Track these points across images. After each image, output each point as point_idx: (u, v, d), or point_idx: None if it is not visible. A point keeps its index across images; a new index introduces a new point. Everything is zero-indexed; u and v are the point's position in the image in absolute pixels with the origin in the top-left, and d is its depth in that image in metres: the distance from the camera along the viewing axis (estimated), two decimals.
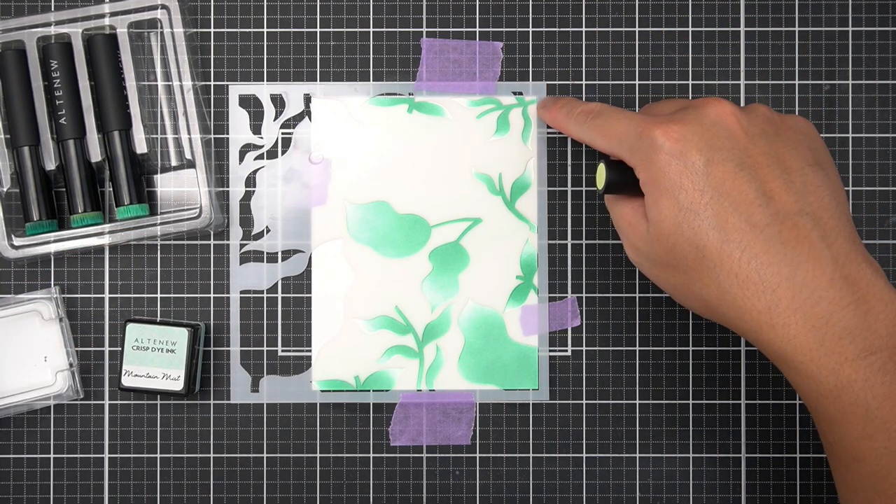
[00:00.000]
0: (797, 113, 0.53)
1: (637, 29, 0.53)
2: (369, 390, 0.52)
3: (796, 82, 0.53)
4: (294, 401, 0.53)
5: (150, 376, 0.51)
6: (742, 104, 0.53)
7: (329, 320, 0.52)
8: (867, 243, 0.53)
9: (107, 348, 0.53)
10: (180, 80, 0.52)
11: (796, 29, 0.53)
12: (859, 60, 0.53)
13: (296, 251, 0.53)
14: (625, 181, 0.45)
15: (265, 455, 0.53)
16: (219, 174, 0.53)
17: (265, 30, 0.53)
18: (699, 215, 0.41)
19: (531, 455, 0.53)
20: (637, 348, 0.53)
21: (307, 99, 0.53)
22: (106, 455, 0.53)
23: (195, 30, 0.53)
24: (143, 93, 0.52)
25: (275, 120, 0.53)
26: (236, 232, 0.53)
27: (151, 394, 0.52)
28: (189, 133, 0.52)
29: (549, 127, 0.53)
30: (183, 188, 0.53)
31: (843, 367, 0.39)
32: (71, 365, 0.52)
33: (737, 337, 0.53)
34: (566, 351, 0.53)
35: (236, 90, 0.53)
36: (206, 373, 0.53)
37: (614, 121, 0.45)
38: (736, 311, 0.41)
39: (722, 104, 0.43)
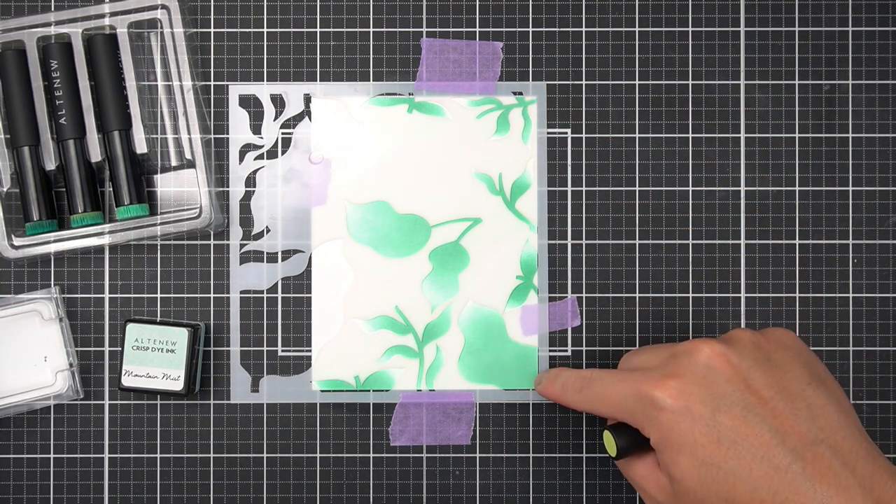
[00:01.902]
0: (797, 114, 0.53)
1: (637, 29, 0.53)
2: (369, 390, 0.52)
3: (796, 82, 0.53)
4: (294, 401, 0.53)
5: (150, 376, 0.51)
6: (742, 104, 0.53)
7: (329, 320, 0.52)
8: (867, 243, 0.53)
9: (107, 348, 0.53)
10: (180, 80, 0.52)
11: (796, 29, 0.53)
12: (859, 60, 0.53)
13: (296, 251, 0.53)
14: (635, 442, 0.45)
15: (265, 455, 0.53)
16: (219, 174, 0.53)
17: (265, 30, 0.53)
18: (721, 468, 0.40)
19: (531, 455, 0.53)
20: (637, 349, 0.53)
21: (307, 99, 0.53)
22: (106, 455, 0.53)
23: (195, 30, 0.53)
24: (143, 93, 0.52)
25: (275, 120, 0.53)
26: (236, 232, 0.53)
27: (151, 394, 0.52)
28: (189, 133, 0.52)
29: (549, 127, 0.53)
30: (183, 188, 0.53)
31: None
32: (71, 365, 0.52)
33: None
34: (566, 351, 0.53)
35: (236, 90, 0.53)
36: (206, 373, 0.53)
37: (608, 385, 0.45)
38: None
39: (711, 346, 0.42)
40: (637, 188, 0.53)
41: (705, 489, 0.41)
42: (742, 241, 0.53)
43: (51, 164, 0.51)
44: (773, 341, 0.44)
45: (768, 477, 0.40)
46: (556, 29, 0.53)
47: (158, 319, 0.52)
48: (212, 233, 0.53)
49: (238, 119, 0.53)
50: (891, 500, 0.40)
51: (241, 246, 0.53)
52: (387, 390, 0.52)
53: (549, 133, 0.53)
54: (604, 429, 0.45)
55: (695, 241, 0.53)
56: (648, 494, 0.45)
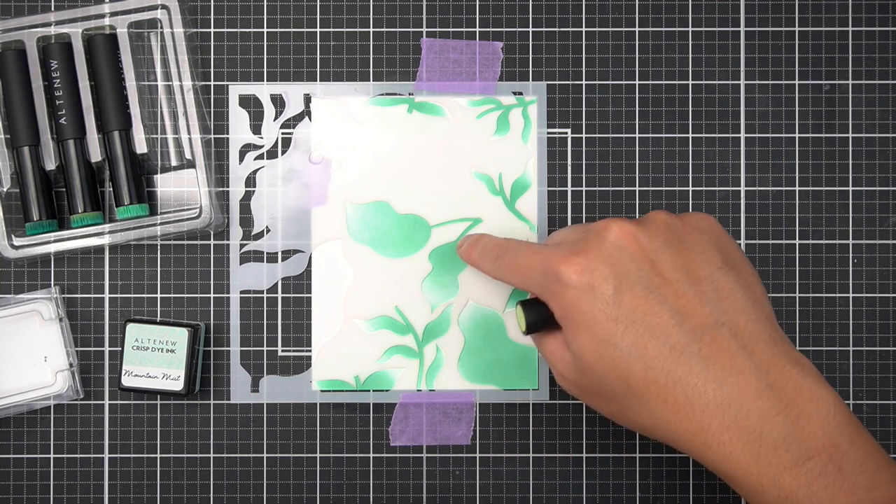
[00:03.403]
0: (797, 114, 0.53)
1: (637, 29, 0.53)
2: (369, 390, 0.52)
3: (796, 82, 0.53)
4: (294, 401, 0.53)
5: (150, 376, 0.51)
6: (742, 104, 0.53)
7: (329, 320, 0.52)
8: (867, 243, 0.53)
9: (107, 348, 0.53)
10: (180, 80, 0.52)
11: (796, 29, 0.53)
12: (859, 60, 0.53)
13: (296, 251, 0.53)
14: (543, 318, 0.44)
15: (265, 455, 0.53)
16: (219, 174, 0.53)
17: (265, 30, 0.53)
18: (618, 346, 0.40)
19: (531, 455, 0.53)
20: None
21: (307, 99, 0.53)
22: (106, 455, 0.53)
23: (195, 30, 0.53)
24: (143, 93, 0.52)
25: (275, 120, 0.53)
26: (236, 232, 0.53)
27: (151, 394, 0.52)
28: (189, 133, 0.52)
29: (549, 127, 0.53)
30: (183, 188, 0.53)
31: (782, 477, 0.39)
32: (71, 365, 0.52)
33: None
34: None
35: (236, 90, 0.53)
36: (206, 373, 0.53)
37: (521, 257, 0.44)
38: (672, 434, 0.40)
39: (621, 225, 0.42)
40: (637, 188, 0.53)
41: (602, 366, 0.41)
42: (742, 241, 0.53)
43: (51, 164, 0.51)
44: (690, 224, 0.43)
45: (663, 356, 0.40)
46: (556, 29, 0.53)
47: (158, 319, 0.52)
48: (212, 233, 0.53)
49: (238, 119, 0.53)
50: (785, 385, 0.39)
51: (241, 246, 0.53)
52: (387, 390, 0.52)
53: (549, 133, 0.53)
54: (519, 304, 0.45)
55: None
56: (557, 370, 0.45)
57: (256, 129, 0.53)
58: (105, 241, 0.52)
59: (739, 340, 0.40)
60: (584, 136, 0.53)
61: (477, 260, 0.49)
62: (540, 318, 0.44)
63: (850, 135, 0.53)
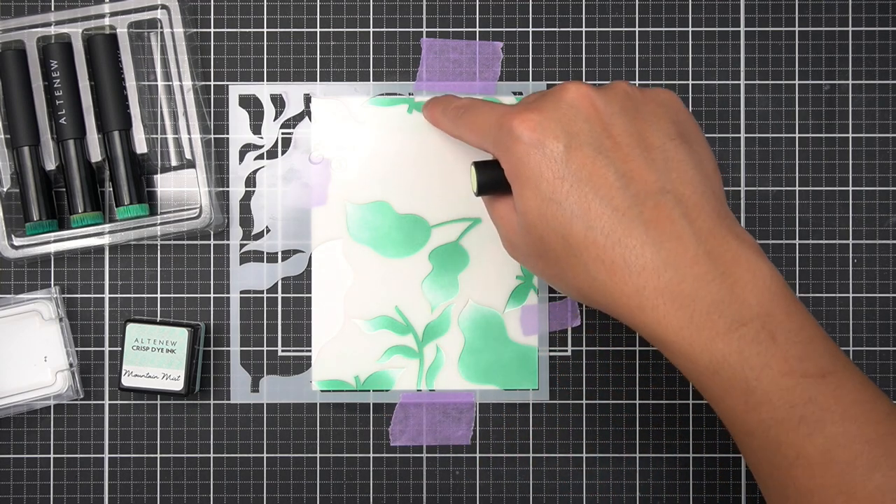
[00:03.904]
0: (797, 114, 0.53)
1: (637, 29, 0.53)
2: (369, 390, 0.52)
3: (796, 82, 0.53)
4: (294, 401, 0.53)
5: (150, 376, 0.51)
6: (742, 104, 0.53)
7: (329, 320, 0.52)
8: (867, 243, 0.53)
9: (107, 348, 0.53)
10: (180, 80, 0.52)
11: (796, 29, 0.54)
12: (859, 60, 0.53)
13: (296, 251, 0.53)
14: (496, 179, 0.44)
15: (265, 455, 0.53)
16: (219, 174, 0.53)
17: (265, 30, 0.53)
18: (562, 205, 0.40)
19: (531, 455, 0.53)
20: (637, 348, 0.53)
21: (307, 99, 0.53)
22: (106, 455, 0.53)
23: (195, 30, 0.53)
24: (143, 93, 0.52)
25: (275, 120, 0.53)
26: (236, 232, 0.53)
27: (151, 394, 0.52)
28: (189, 133, 0.52)
29: None
30: (183, 188, 0.53)
31: (715, 341, 0.39)
32: (71, 365, 0.52)
33: None
34: (566, 351, 0.53)
35: (236, 90, 0.53)
36: (206, 373, 0.53)
37: (480, 114, 0.45)
38: (607, 297, 0.40)
39: (579, 87, 0.42)
40: None
41: (545, 224, 0.41)
42: None
43: (51, 164, 0.51)
44: (650, 96, 0.43)
45: (605, 217, 0.40)
46: (556, 29, 0.53)
47: (158, 319, 0.52)
48: (212, 233, 0.53)
49: (238, 119, 0.53)
50: (724, 254, 0.40)
51: (241, 246, 0.53)
52: (387, 390, 0.53)
53: None
54: (473, 163, 0.45)
55: None
56: (503, 234, 0.45)
57: (256, 129, 0.53)
58: (105, 241, 0.52)
59: (682, 208, 0.40)
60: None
61: (440, 118, 0.49)
62: (492, 179, 0.44)
63: (850, 135, 0.53)
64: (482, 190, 0.45)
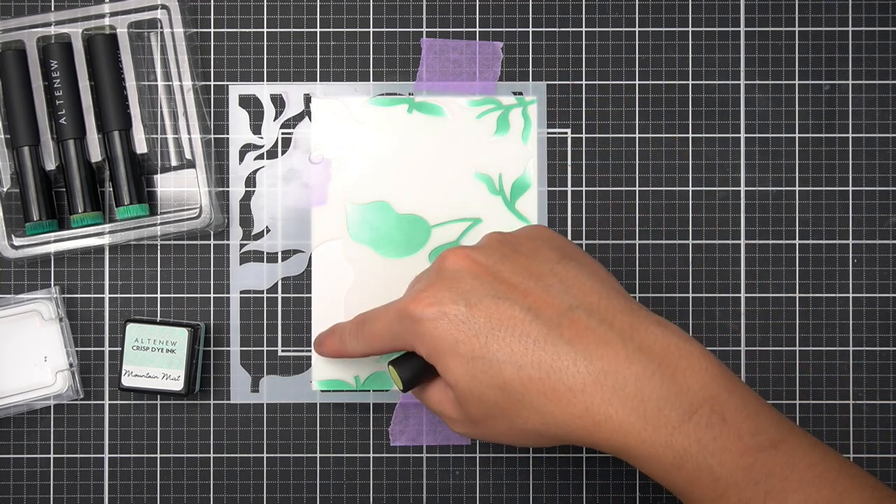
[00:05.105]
0: (797, 114, 0.53)
1: (637, 29, 0.53)
2: (369, 390, 0.52)
3: (796, 82, 0.53)
4: (294, 401, 0.53)
5: (150, 376, 0.51)
6: (742, 104, 0.53)
7: (329, 320, 0.52)
8: (867, 243, 0.53)
9: (107, 348, 0.53)
10: (180, 80, 0.52)
11: (796, 29, 0.54)
12: (859, 60, 0.53)
13: (296, 251, 0.53)
14: (418, 369, 0.45)
15: (265, 455, 0.53)
16: (219, 174, 0.53)
17: (265, 30, 0.53)
18: (486, 358, 0.41)
19: (531, 455, 0.53)
20: None
21: (307, 99, 0.53)
22: (106, 455, 0.53)
23: (195, 30, 0.53)
24: (143, 93, 0.52)
25: (275, 120, 0.53)
26: (236, 232, 0.53)
27: (151, 394, 0.52)
28: (189, 133, 0.52)
29: (549, 127, 0.53)
30: (183, 188, 0.53)
31: (674, 436, 0.39)
32: (71, 365, 0.52)
33: (736, 338, 0.53)
34: None
35: (236, 90, 0.53)
36: (206, 373, 0.53)
37: (376, 319, 0.45)
38: (562, 427, 0.40)
39: (454, 252, 0.43)
40: (637, 188, 0.53)
41: (478, 383, 0.41)
42: (742, 241, 0.53)
43: (51, 164, 0.51)
44: (522, 235, 0.44)
45: (529, 352, 0.40)
46: (556, 29, 0.53)
47: (158, 319, 0.52)
48: (212, 233, 0.53)
49: (238, 119, 0.53)
50: (654, 345, 0.40)
51: (241, 246, 0.53)
52: (387, 390, 0.53)
53: (549, 133, 0.53)
54: (389, 364, 0.45)
55: (695, 242, 0.53)
56: (446, 416, 0.45)
57: (256, 129, 0.53)
58: (105, 241, 0.52)
59: (597, 316, 0.41)
60: (584, 136, 0.53)
61: (339, 347, 0.49)
62: (414, 370, 0.45)
63: (850, 135, 0.53)
64: (408, 385, 0.45)
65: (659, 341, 0.40)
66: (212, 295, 0.53)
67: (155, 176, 0.53)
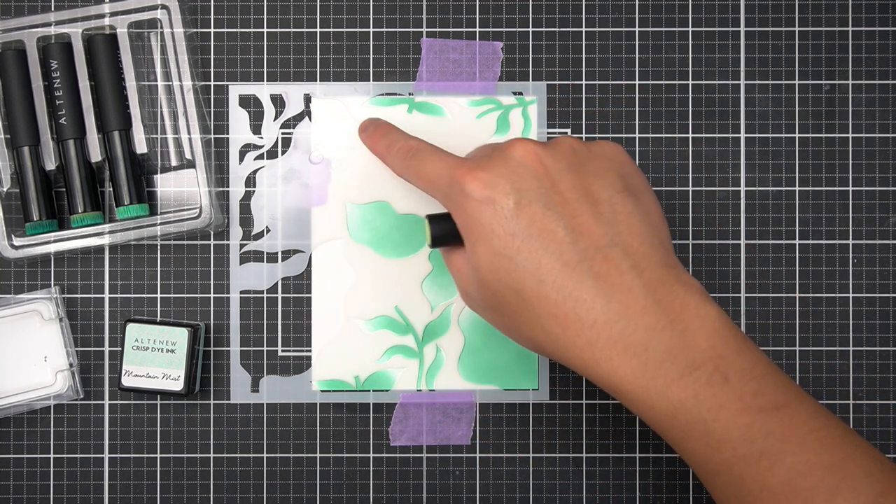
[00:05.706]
0: (797, 114, 0.53)
1: (637, 29, 0.53)
2: (369, 390, 0.53)
3: (796, 82, 0.53)
4: (294, 401, 0.53)
5: (150, 376, 0.51)
6: (742, 104, 0.53)
7: (329, 320, 0.52)
8: (867, 243, 0.53)
9: (107, 348, 0.53)
10: (180, 80, 0.52)
11: (796, 29, 0.54)
12: (859, 60, 0.53)
13: (296, 251, 0.53)
14: (449, 232, 0.45)
15: (265, 455, 0.53)
16: (219, 174, 0.53)
17: (265, 30, 0.53)
18: (513, 260, 0.41)
19: (531, 455, 0.53)
20: None
21: (307, 99, 0.53)
22: (106, 455, 0.53)
23: (195, 30, 0.53)
24: (143, 93, 0.52)
25: (275, 120, 0.53)
26: (236, 232, 0.53)
27: (151, 394, 0.52)
28: (189, 133, 0.52)
29: (549, 127, 0.53)
30: (183, 188, 0.53)
31: (670, 387, 0.40)
32: (71, 365, 0.52)
33: None
34: None
35: (236, 90, 0.53)
36: (206, 373, 0.53)
37: (429, 162, 0.45)
38: (561, 350, 0.41)
39: (525, 144, 0.43)
40: None
41: (498, 279, 0.42)
42: (742, 241, 0.53)
43: (51, 164, 0.51)
44: (595, 150, 0.44)
45: (556, 272, 0.41)
46: (556, 29, 0.53)
47: (158, 319, 0.52)
48: (212, 233, 0.53)
49: (238, 119, 0.53)
50: (672, 302, 0.40)
51: (241, 246, 0.53)
52: (387, 390, 0.53)
53: (549, 133, 0.53)
54: (426, 217, 0.46)
55: (695, 241, 0.53)
56: (460, 286, 0.45)
57: (256, 129, 0.53)
58: (105, 241, 0.52)
59: (631, 260, 0.41)
60: (584, 136, 0.53)
61: (383, 152, 0.49)
62: (445, 232, 0.45)
63: (850, 135, 0.53)
64: (436, 242, 0.45)
65: (679, 299, 0.41)
66: (212, 295, 0.53)
67: (155, 176, 0.53)
